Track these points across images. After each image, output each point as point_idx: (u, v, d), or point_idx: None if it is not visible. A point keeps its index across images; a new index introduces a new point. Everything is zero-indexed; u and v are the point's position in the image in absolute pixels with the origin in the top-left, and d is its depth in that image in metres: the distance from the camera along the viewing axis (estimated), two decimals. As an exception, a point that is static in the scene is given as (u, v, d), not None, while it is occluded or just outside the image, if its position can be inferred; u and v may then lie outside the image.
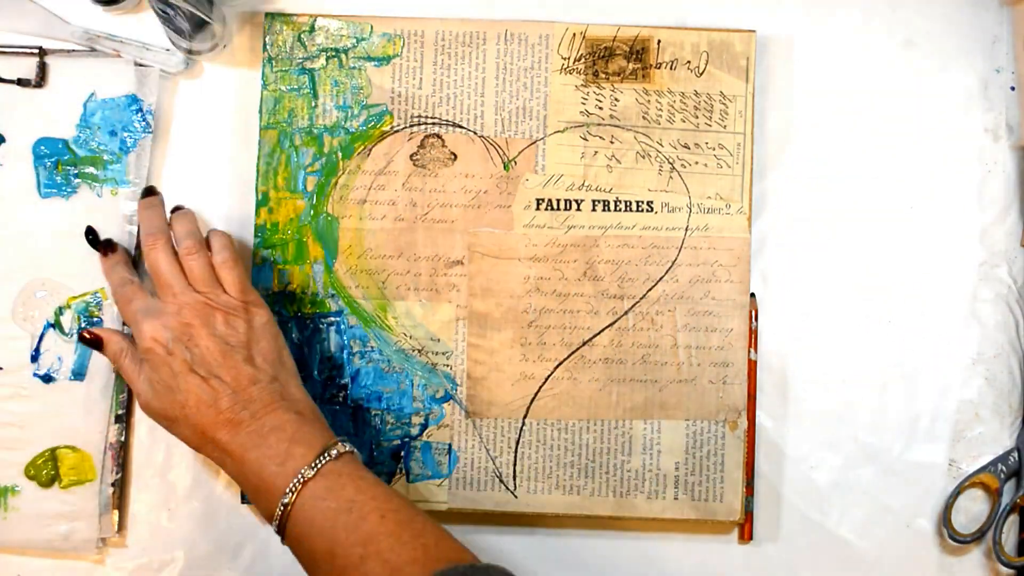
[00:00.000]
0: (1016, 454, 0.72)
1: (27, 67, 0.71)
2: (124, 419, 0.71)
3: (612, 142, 0.72)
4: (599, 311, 0.71)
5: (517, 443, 0.70)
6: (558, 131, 0.72)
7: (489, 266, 0.71)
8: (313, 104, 0.71)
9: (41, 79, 0.71)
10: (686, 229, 0.71)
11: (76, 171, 0.71)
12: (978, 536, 0.71)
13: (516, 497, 0.70)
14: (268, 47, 0.71)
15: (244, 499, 0.70)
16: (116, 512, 0.70)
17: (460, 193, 0.71)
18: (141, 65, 0.72)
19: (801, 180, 0.74)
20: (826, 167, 0.74)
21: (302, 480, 0.59)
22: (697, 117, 0.72)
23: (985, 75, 0.74)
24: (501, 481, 0.70)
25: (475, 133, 0.71)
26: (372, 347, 0.70)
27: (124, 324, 0.69)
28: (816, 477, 0.72)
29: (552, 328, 0.71)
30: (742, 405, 0.70)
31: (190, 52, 0.71)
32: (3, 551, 0.70)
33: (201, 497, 0.71)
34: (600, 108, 0.72)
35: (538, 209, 0.71)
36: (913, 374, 0.73)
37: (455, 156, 0.71)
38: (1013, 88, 0.74)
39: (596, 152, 0.72)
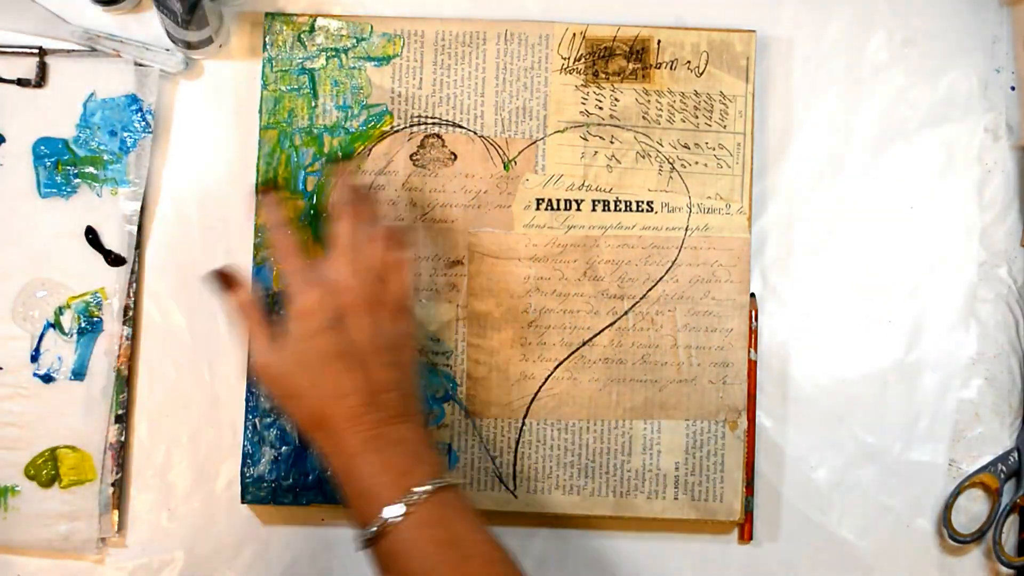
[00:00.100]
0: (1016, 454, 0.72)
1: (27, 67, 0.71)
2: (124, 419, 0.71)
3: (612, 142, 0.72)
4: (599, 311, 0.71)
5: (517, 443, 0.70)
6: (558, 131, 0.72)
7: (489, 266, 0.71)
8: (313, 104, 0.71)
9: (41, 79, 0.71)
10: (686, 229, 0.71)
11: (76, 171, 0.71)
12: (978, 536, 0.71)
13: (516, 497, 0.70)
14: (268, 47, 0.71)
15: (244, 499, 0.69)
16: (116, 512, 0.70)
17: (460, 193, 0.71)
18: (141, 65, 0.72)
19: (801, 180, 0.74)
20: (826, 167, 0.74)
21: (414, 500, 0.57)
22: (697, 117, 0.72)
23: (985, 75, 0.74)
24: (501, 481, 0.70)
25: (475, 133, 0.71)
26: (372, 347, 0.70)
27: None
28: (816, 477, 0.72)
29: (552, 328, 0.71)
30: (742, 405, 0.70)
31: (187, 46, 0.71)
32: (3, 551, 0.70)
33: (201, 497, 0.71)
34: (600, 108, 0.72)
35: (538, 209, 0.71)
36: (913, 374, 0.73)
37: (455, 156, 0.71)
38: (1013, 88, 0.75)
39: (596, 152, 0.72)
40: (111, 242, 0.71)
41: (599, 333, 0.71)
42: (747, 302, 0.71)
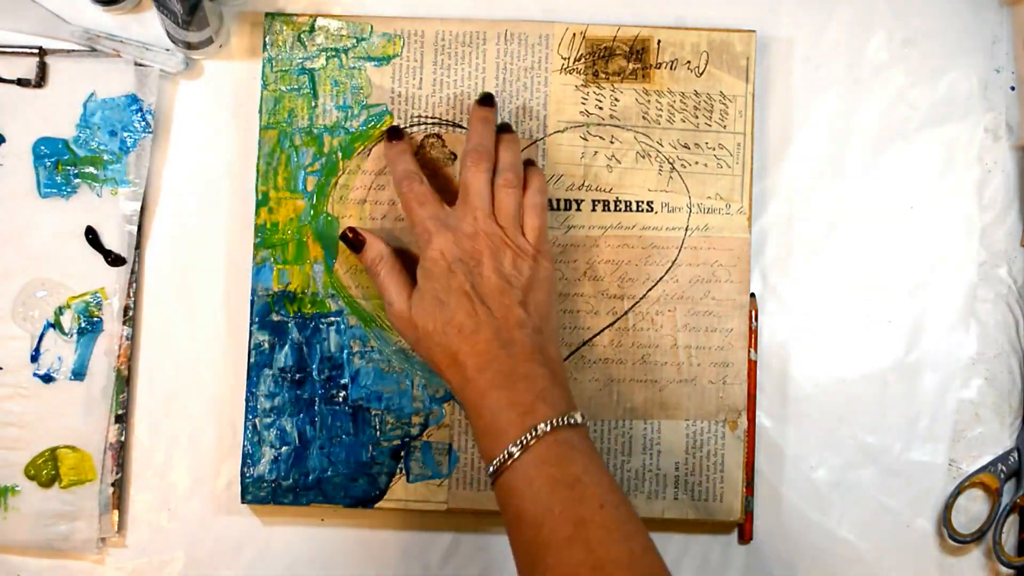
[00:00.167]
0: (1016, 454, 0.72)
1: (27, 67, 0.71)
2: (124, 419, 0.71)
3: (612, 142, 0.72)
4: (599, 311, 0.71)
5: (517, 443, 0.70)
6: (558, 131, 0.72)
7: (489, 266, 0.71)
8: (313, 104, 0.71)
9: (41, 79, 0.71)
10: (686, 229, 0.71)
11: (76, 171, 0.71)
12: (978, 536, 0.71)
13: (516, 497, 0.70)
14: (268, 47, 0.71)
15: (244, 499, 0.70)
16: (116, 512, 0.70)
17: (460, 193, 0.71)
18: (141, 65, 0.72)
19: (801, 180, 0.74)
20: (826, 167, 0.74)
21: (535, 436, 0.58)
22: (697, 117, 0.72)
23: (985, 75, 0.74)
24: (501, 481, 0.70)
25: (475, 133, 0.71)
26: (372, 347, 0.70)
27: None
28: (816, 477, 0.72)
29: (552, 328, 0.71)
30: (742, 405, 0.70)
31: (187, 46, 0.71)
32: (3, 551, 0.70)
33: (201, 497, 0.71)
34: (600, 108, 0.72)
35: (538, 209, 0.71)
36: (913, 374, 0.73)
37: (455, 156, 0.71)
38: (1013, 88, 0.75)
39: (596, 152, 0.72)
40: (111, 242, 0.71)
41: (599, 333, 0.71)
42: (747, 302, 0.71)
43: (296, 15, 0.72)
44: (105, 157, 0.71)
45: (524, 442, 0.58)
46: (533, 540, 0.56)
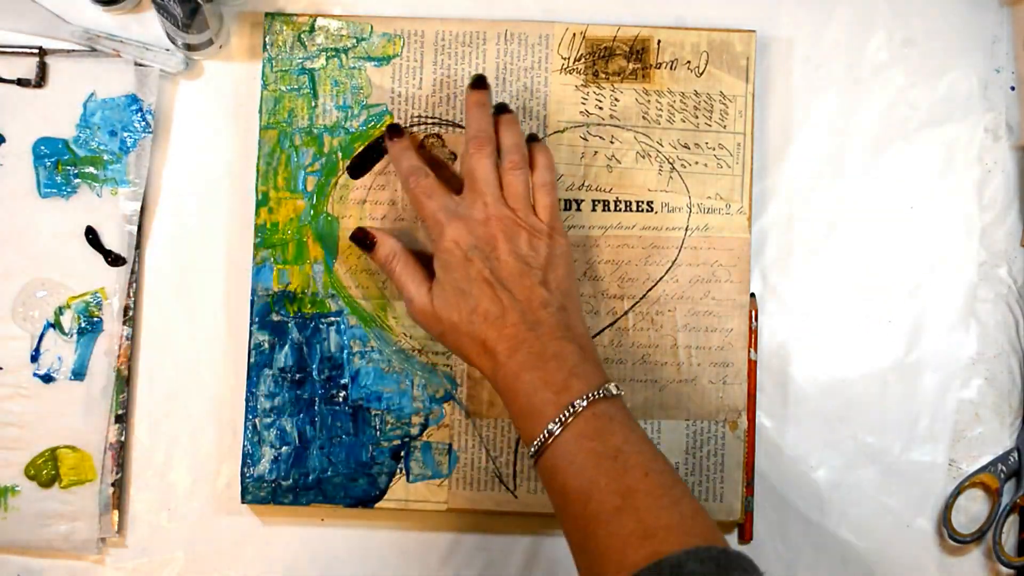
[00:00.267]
0: (1016, 454, 0.72)
1: (27, 67, 0.71)
2: (124, 419, 0.71)
3: (612, 142, 0.72)
4: (599, 311, 0.71)
5: (517, 443, 0.70)
6: (558, 131, 0.72)
7: (489, 266, 0.71)
8: (313, 104, 0.71)
9: (41, 79, 0.71)
10: (686, 229, 0.71)
11: (76, 171, 0.71)
12: (978, 536, 0.71)
13: (516, 497, 0.70)
14: (268, 47, 0.71)
15: (244, 499, 0.69)
16: (116, 512, 0.70)
17: (460, 193, 0.71)
18: (141, 65, 0.72)
19: (801, 180, 0.74)
20: (826, 167, 0.74)
21: (573, 412, 0.58)
22: (697, 117, 0.72)
23: (985, 75, 0.74)
24: (501, 481, 0.70)
25: (475, 133, 0.71)
26: (372, 347, 0.70)
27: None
28: (816, 477, 0.72)
29: (552, 328, 0.71)
30: (742, 405, 0.70)
31: (187, 47, 0.71)
32: (3, 551, 0.70)
33: (201, 497, 0.71)
34: (600, 108, 0.72)
35: (538, 209, 0.71)
36: (913, 374, 0.73)
37: (455, 156, 0.71)
38: (1013, 88, 0.75)
39: (596, 152, 0.72)
40: (111, 242, 0.71)
41: (599, 333, 0.71)
42: (747, 302, 0.71)
43: (296, 15, 0.72)
44: (105, 157, 0.71)
45: (562, 419, 0.58)
46: (581, 515, 0.56)
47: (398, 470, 0.70)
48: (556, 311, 0.62)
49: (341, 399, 0.70)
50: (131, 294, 0.71)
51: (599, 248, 0.71)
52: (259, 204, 0.71)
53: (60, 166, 0.71)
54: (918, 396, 0.73)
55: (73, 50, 0.72)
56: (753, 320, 0.71)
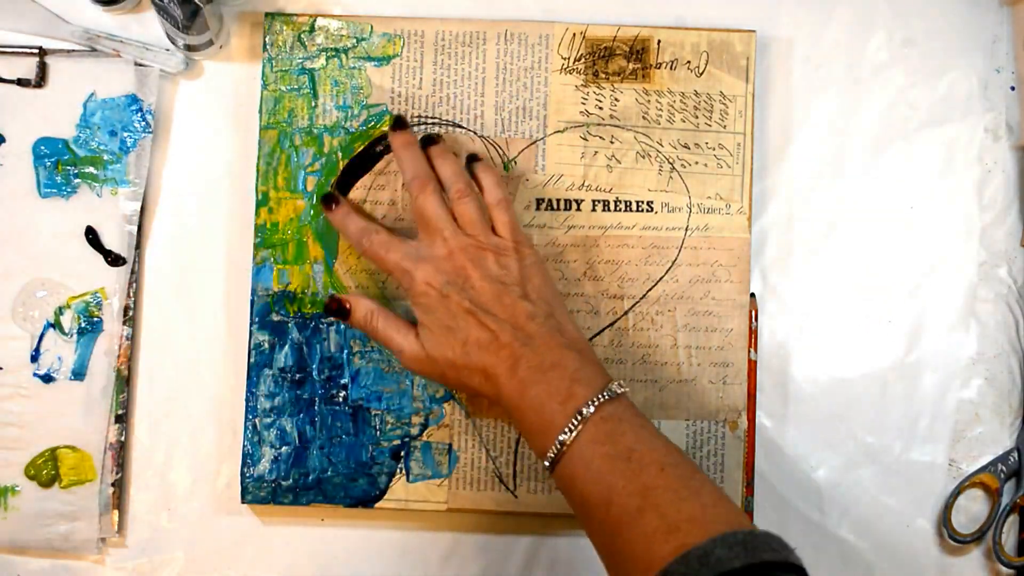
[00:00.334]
0: (1016, 454, 0.72)
1: (27, 67, 0.71)
2: (124, 419, 0.71)
3: (612, 142, 0.72)
4: (599, 311, 0.71)
5: (517, 443, 0.70)
6: (558, 131, 0.72)
7: (489, 266, 0.71)
8: (313, 104, 0.71)
9: (41, 79, 0.71)
10: (686, 229, 0.71)
11: (76, 171, 0.71)
12: (978, 536, 0.71)
13: (516, 497, 0.70)
14: (268, 47, 0.71)
15: (244, 499, 0.69)
16: (116, 512, 0.70)
17: (460, 193, 0.71)
18: (141, 65, 0.72)
19: (801, 180, 0.74)
20: (826, 167, 0.74)
21: (582, 420, 0.58)
22: (697, 117, 0.72)
23: (985, 75, 0.74)
24: (501, 481, 0.70)
25: (475, 133, 0.71)
26: (372, 347, 0.70)
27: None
28: (816, 477, 0.72)
29: (552, 328, 0.71)
30: (742, 405, 0.71)
31: (187, 48, 0.71)
32: (3, 551, 0.70)
33: (201, 497, 0.71)
34: (600, 108, 0.72)
35: (538, 209, 0.71)
36: (913, 374, 0.73)
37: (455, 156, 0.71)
38: (1013, 88, 0.75)
39: (596, 152, 0.72)
40: (111, 242, 0.71)
41: (599, 333, 0.71)
42: (747, 302, 0.71)
43: (296, 15, 0.72)
44: (105, 157, 0.71)
45: (572, 428, 0.58)
46: (605, 520, 0.57)
47: (398, 470, 0.70)
48: (544, 320, 0.62)
49: (341, 399, 0.70)
50: (131, 294, 0.71)
51: (599, 248, 0.71)
52: (259, 204, 0.71)
53: (60, 166, 0.71)
54: (918, 396, 0.73)
55: (73, 50, 0.72)
56: (753, 320, 0.71)
